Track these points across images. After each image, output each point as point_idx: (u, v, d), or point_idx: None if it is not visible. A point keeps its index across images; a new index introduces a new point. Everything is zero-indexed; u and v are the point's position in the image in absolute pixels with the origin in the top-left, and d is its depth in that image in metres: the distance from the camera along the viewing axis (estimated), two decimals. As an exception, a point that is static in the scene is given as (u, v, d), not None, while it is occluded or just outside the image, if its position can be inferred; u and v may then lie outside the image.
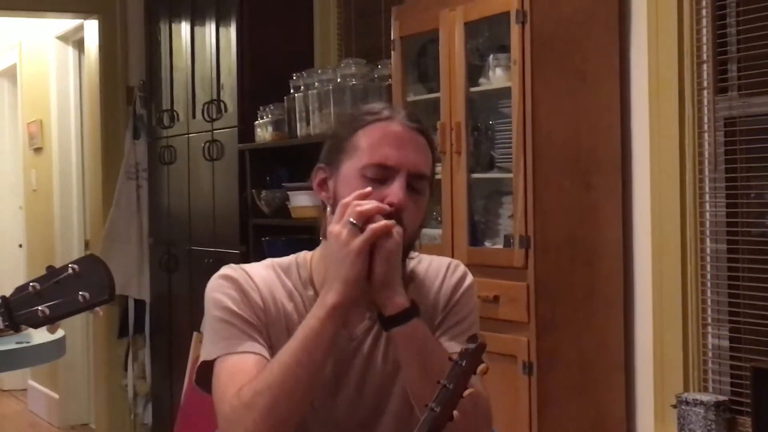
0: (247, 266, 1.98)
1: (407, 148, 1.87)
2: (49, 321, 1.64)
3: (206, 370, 1.93)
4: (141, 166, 6.05)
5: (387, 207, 1.82)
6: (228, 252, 4.89)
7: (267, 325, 1.92)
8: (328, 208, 1.92)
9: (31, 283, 1.64)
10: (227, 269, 1.95)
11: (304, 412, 1.85)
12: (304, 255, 2.01)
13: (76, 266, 1.64)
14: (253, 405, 1.79)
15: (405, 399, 1.94)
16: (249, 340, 1.89)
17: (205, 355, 1.93)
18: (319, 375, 1.84)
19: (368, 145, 1.88)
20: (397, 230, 1.81)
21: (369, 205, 1.81)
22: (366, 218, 1.79)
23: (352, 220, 1.80)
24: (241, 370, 1.85)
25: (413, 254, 2.02)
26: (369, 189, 1.84)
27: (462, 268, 2.03)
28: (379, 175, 1.86)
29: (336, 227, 1.81)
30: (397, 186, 1.85)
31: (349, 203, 1.82)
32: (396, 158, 1.86)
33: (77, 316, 1.65)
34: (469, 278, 2.02)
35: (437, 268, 2.01)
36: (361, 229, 1.79)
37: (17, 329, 1.66)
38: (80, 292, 1.63)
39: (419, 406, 1.86)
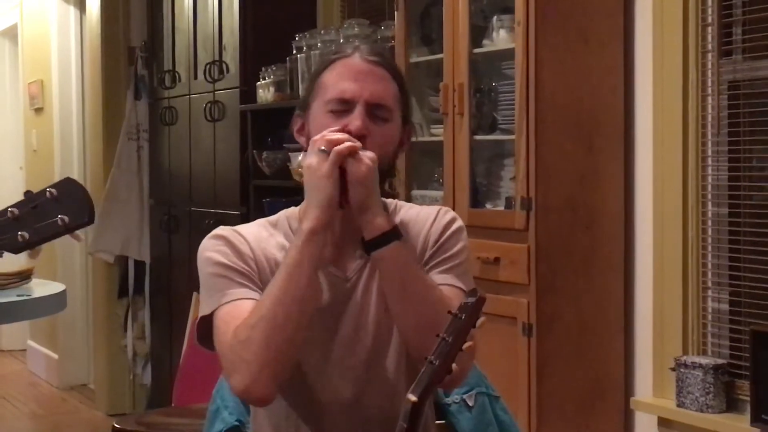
0: (236, 226, 2.04)
1: (364, 80, 1.96)
2: (30, 246, 1.63)
3: (206, 326, 1.96)
4: (142, 126, 6.05)
5: (353, 132, 1.90)
6: (228, 213, 4.89)
7: (259, 274, 1.96)
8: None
9: (9, 209, 1.62)
10: (216, 230, 2.02)
11: (301, 342, 1.89)
12: (292, 209, 2.06)
13: (54, 190, 1.62)
14: (250, 339, 1.84)
15: None
16: (243, 288, 1.94)
17: (203, 310, 1.97)
18: (308, 303, 1.88)
19: (329, 82, 1.98)
20: (369, 155, 1.88)
21: (337, 133, 1.89)
22: (333, 144, 1.88)
23: (321, 147, 1.88)
24: (237, 315, 1.89)
25: (405, 204, 2.08)
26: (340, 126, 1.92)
27: (452, 213, 2.07)
28: (340, 108, 1.95)
29: (307, 159, 1.90)
30: (355, 115, 1.94)
31: (318, 137, 1.90)
32: (352, 90, 1.95)
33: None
34: (459, 222, 2.06)
35: (427, 213, 2.06)
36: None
37: None
38: (59, 216, 1.61)
39: (402, 331, 1.93)
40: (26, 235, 1.61)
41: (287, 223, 2.03)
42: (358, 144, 1.88)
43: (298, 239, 1.89)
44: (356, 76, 1.96)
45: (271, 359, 1.83)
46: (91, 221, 1.64)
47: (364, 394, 1.97)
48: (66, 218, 1.62)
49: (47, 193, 1.62)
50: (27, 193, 1.63)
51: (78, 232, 1.64)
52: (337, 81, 1.96)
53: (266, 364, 1.83)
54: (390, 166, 2.00)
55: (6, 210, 1.63)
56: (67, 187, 1.64)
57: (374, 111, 1.95)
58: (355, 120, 1.92)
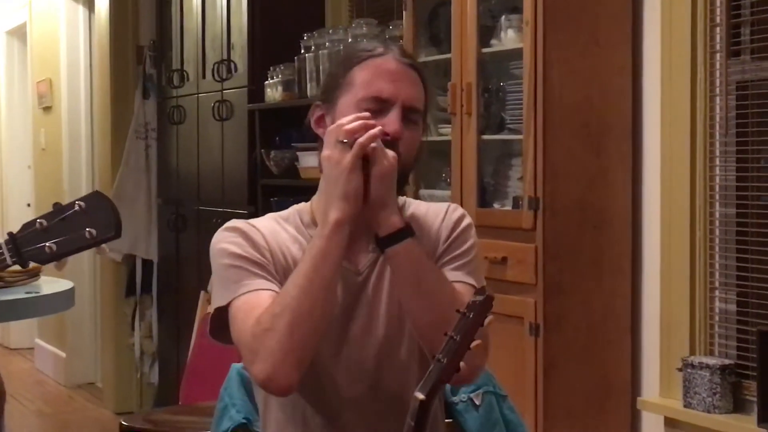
0: (249, 220, 2.03)
1: (401, 82, 1.95)
2: (56, 257, 1.65)
3: (220, 319, 1.96)
4: (150, 125, 6.07)
5: (373, 122, 1.89)
6: (236, 212, 4.88)
7: (275, 265, 1.96)
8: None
9: (38, 220, 1.65)
10: (229, 222, 2.01)
11: (323, 333, 1.89)
12: (303, 204, 2.07)
13: (82, 203, 1.64)
14: (274, 327, 1.83)
15: None
16: (260, 278, 1.93)
17: (218, 302, 1.96)
18: (332, 293, 1.89)
19: (363, 80, 1.95)
20: (392, 154, 1.88)
21: (355, 123, 1.88)
22: (353, 135, 1.87)
23: (340, 139, 1.87)
24: (257, 305, 1.88)
25: (413, 200, 2.09)
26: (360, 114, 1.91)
27: (461, 209, 2.08)
28: (375, 108, 1.93)
29: (326, 151, 1.89)
30: (394, 116, 1.93)
31: (334, 128, 1.89)
32: (390, 91, 1.94)
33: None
34: (468, 218, 2.07)
35: (437, 210, 2.07)
36: (351, 147, 1.86)
37: (24, 265, 1.68)
38: (87, 229, 1.64)
39: (417, 328, 1.93)
40: (54, 246, 1.64)
41: (298, 217, 2.03)
42: (378, 129, 1.87)
43: (323, 229, 1.88)
44: (393, 77, 1.95)
45: (295, 348, 1.83)
46: (117, 235, 1.66)
47: (376, 387, 1.98)
48: (93, 231, 1.64)
49: (76, 205, 1.64)
50: (56, 204, 1.66)
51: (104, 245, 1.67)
52: (373, 80, 1.94)
53: (290, 353, 1.83)
54: (412, 168, 2.01)
55: (35, 221, 1.66)
56: (96, 200, 1.66)
57: (408, 114, 1.95)
58: (393, 122, 1.91)
